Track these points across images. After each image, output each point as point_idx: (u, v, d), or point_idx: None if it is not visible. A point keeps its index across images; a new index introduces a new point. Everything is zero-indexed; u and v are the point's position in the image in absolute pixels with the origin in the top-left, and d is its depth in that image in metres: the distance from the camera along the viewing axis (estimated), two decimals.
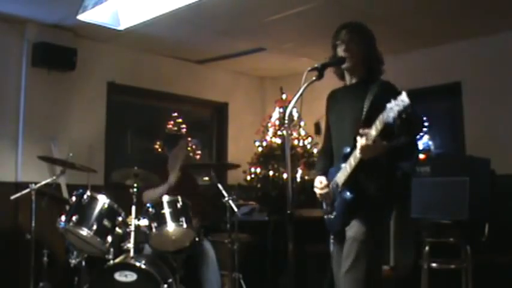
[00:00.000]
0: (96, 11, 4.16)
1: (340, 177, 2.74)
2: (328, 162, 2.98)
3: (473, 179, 3.96)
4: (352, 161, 2.63)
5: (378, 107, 2.51)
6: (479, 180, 4.02)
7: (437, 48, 5.48)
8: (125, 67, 5.75)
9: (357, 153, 2.57)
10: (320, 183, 2.87)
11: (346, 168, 2.69)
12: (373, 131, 2.48)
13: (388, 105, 2.34)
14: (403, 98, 2.29)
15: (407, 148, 2.69)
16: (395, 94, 2.37)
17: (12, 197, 4.09)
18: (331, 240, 2.94)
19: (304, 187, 5.38)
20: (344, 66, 2.82)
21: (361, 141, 2.52)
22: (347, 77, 2.90)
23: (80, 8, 4.15)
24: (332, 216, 2.85)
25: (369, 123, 2.58)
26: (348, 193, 2.70)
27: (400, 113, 2.30)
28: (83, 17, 4.24)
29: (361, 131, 2.53)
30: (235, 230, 4.34)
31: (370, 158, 2.56)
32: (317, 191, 2.89)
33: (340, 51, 2.81)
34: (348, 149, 2.71)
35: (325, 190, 2.84)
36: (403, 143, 2.60)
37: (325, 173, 2.93)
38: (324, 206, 2.93)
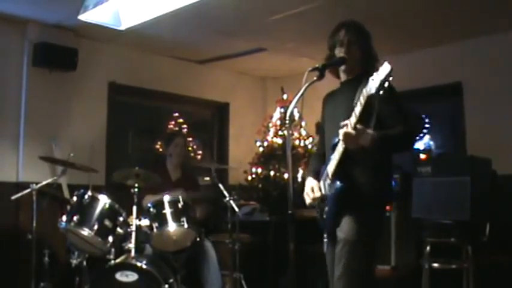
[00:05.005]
0: (97, 11, 4.16)
1: (330, 167, 2.71)
2: (320, 164, 2.96)
3: (475, 179, 3.96)
4: (340, 147, 2.60)
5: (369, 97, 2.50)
6: (480, 181, 4.02)
7: (438, 48, 5.47)
8: (126, 67, 5.75)
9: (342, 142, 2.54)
10: (312, 190, 2.84)
11: (335, 157, 2.66)
12: (357, 108, 2.44)
13: (370, 78, 2.33)
14: (384, 67, 2.26)
15: (401, 138, 2.62)
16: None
17: (13, 197, 4.09)
18: (325, 239, 2.92)
19: (305, 187, 5.38)
20: (343, 67, 2.82)
21: (342, 130, 2.49)
22: (342, 75, 2.89)
23: (81, 8, 4.16)
24: (324, 214, 2.82)
25: (359, 116, 2.54)
26: (338, 182, 2.66)
27: (382, 82, 2.26)
28: (84, 17, 4.24)
29: (344, 122, 2.50)
30: (236, 230, 4.35)
31: (355, 147, 2.51)
32: (307, 199, 2.86)
33: (339, 52, 2.80)
34: (336, 139, 2.66)
35: (317, 196, 2.81)
36: (398, 133, 2.57)
37: (316, 174, 2.91)
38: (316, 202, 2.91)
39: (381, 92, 2.29)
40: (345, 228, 2.64)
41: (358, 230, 2.61)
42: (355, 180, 2.66)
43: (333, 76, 2.93)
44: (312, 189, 2.85)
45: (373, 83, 2.31)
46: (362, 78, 2.71)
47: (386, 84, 2.26)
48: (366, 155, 2.57)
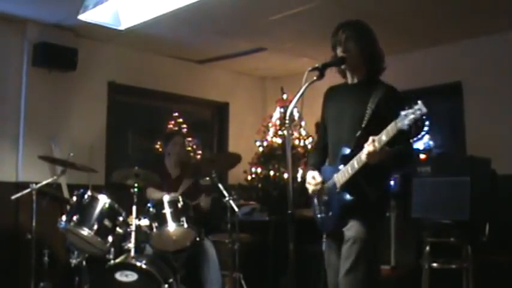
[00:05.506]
0: (97, 11, 4.16)
1: (339, 178, 2.72)
2: (321, 158, 2.97)
3: (474, 179, 3.96)
4: (356, 164, 2.61)
5: (382, 113, 2.56)
6: (480, 180, 4.02)
7: (437, 48, 5.48)
8: (125, 67, 5.75)
9: (363, 157, 2.55)
10: (313, 178, 2.85)
11: (347, 170, 2.67)
12: (383, 137, 2.47)
13: (403, 113, 2.36)
14: (421, 107, 2.33)
15: (406, 155, 2.73)
16: (401, 101, 2.43)
17: (13, 197, 4.10)
18: (324, 240, 2.93)
19: (305, 187, 5.38)
20: (344, 66, 2.82)
21: (368, 147, 2.51)
22: (348, 75, 2.88)
23: (81, 7, 4.15)
24: (325, 216, 2.83)
25: (370, 127, 2.59)
26: (348, 195, 2.68)
27: (416, 120, 2.33)
28: (84, 17, 4.23)
29: (371, 137, 2.52)
30: (236, 230, 4.34)
31: (374, 163, 2.55)
32: (310, 187, 2.87)
33: (339, 52, 2.80)
34: (348, 150, 2.70)
35: (319, 187, 2.83)
36: (402, 150, 2.63)
37: (317, 169, 2.92)
38: (316, 203, 2.91)
39: (414, 129, 2.40)
40: (354, 228, 2.68)
41: (366, 230, 2.65)
42: (364, 193, 2.68)
43: (340, 76, 2.93)
44: (313, 178, 2.86)
45: (406, 120, 2.35)
46: (371, 85, 2.74)
47: (419, 123, 2.35)
48: (377, 168, 2.59)
